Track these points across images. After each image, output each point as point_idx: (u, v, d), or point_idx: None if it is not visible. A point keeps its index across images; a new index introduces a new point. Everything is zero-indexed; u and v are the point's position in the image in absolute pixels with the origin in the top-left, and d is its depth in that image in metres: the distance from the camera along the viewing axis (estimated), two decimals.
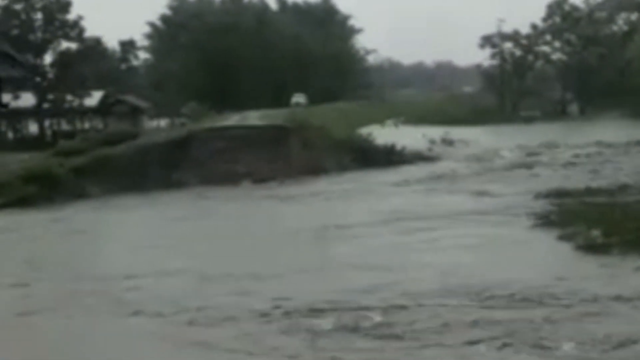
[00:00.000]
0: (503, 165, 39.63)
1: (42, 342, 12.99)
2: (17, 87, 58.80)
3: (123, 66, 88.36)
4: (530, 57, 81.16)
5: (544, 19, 79.84)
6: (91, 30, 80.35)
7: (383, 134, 47.89)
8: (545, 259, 17.05)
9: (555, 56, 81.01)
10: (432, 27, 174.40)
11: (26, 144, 58.39)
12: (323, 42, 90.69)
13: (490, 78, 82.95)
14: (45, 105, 68.13)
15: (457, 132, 52.79)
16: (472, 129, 58.55)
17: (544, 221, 21.20)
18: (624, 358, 10.69)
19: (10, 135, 69.16)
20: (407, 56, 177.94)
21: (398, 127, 62.13)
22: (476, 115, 69.27)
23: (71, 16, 72.15)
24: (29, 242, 24.85)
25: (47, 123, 70.64)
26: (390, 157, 42.49)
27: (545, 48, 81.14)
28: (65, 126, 70.21)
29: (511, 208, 24.31)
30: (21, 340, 12.89)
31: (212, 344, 12.11)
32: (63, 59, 70.15)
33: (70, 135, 58.16)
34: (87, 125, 71.06)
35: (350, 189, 33.24)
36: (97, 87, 70.96)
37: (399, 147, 43.91)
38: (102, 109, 71.66)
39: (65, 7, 71.66)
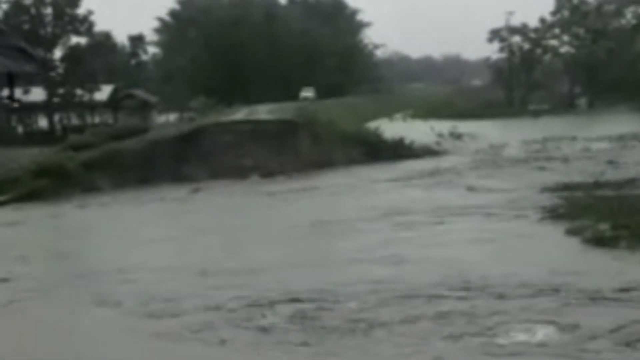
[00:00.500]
0: (511, 159, 39.67)
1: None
2: (28, 81, 59.11)
3: (132, 61, 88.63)
4: (539, 51, 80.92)
5: (553, 13, 79.57)
6: (101, 25, 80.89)
7: (391, 128, 47.95)
8: (552, 253, 17.11)
9: (564, 50, 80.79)
10: (440, 20, 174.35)
11: (36, 138, 58.67)
12: (331, 36, 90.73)
13: (498, 72, 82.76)
14: (55, 100, 68.42)
15: (466, 126, 52.79)
16: (481, 122, 58.51)
17: (552, 215, 21.24)
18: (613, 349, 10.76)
19: (20, 129, 69.49)
20: (415, 50, 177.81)
21: (406, 121, 62.17)
22: (484, 109, 69.16)
23: (81, 11, 72.60)
24: (32, 235, 25.14)
25: (57, 117, 70.95)
26: (398, 151, 42.56)
27: (554, 42, 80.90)
28: (75, 121, 70.48)
29: (518, 202, 24.35)
30: None
31: (165, 335, 12.40)
32: (73, 53, 70.43)
33: (80, 129, 58.43)
34: (97, 119, 71.33)
35: (356, 183, 33.32)
36: (107, 82, 71.22)
37: (407, 141, 43.98)
38: (111, 104, 71.95)
39: (75, 2, 71.98)
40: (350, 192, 30.69)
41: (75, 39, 72.93)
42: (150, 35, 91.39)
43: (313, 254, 19.04)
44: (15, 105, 49.55)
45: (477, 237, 19.06)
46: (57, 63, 70.81)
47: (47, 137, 57.76)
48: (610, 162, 34.72)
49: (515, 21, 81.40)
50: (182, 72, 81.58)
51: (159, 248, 20.85)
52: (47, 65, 67.26)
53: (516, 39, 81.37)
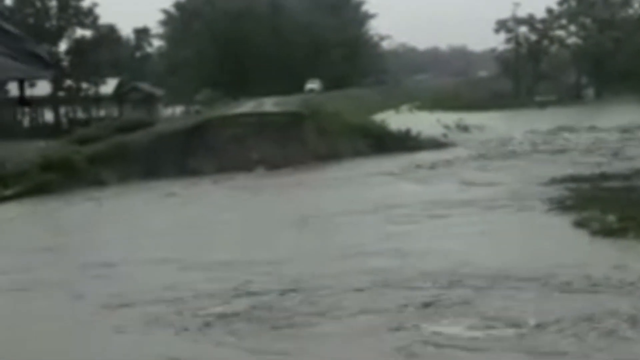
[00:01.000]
0: (517, 150, 39.55)
1: None
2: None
3: (137, 54, 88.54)
4: (546, 42, 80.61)
5: (559, 3, 79.23)
6: (105, 17, 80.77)
7: (398, 120, 47.88)
8: (559, 245, 17.04)
9: (571, 40, 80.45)
10: (447, 12, 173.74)
11: (42, 132, 58.71)
12: (337, 28, 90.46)
13: (505, 63, 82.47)
14: (61, 93, 68.46)
15: (472, 118, 52.67)
16: (487, 114, 58.35)
17: (560, 206, 21.17)
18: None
19: (26, 123, 69.57)
20: (421, 41, 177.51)
21: (413, 113, 62.02)
22: (491, 101, 68.92)
23: (85, 3, 72.53)
24: (31, 230, 25.21)
25: (62, 111, 71.00)
26: (405, 143, 42.46)
27: (561, 32, 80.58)
28: (80, 114, 70.52)
29: (526, 193, 24.27)
30: None
31: (110, 325, 12.77)
32: (78, 46, 70.42)
33: (85, 122, 58.48)
34: (102, 113, 71.35)
35: (362, 174, 33.23)
36: (112, 75, 71.17)
37: (413, 132, 43.88)
38: (117, 97, 71.94)
39: None
40: (351, 185, 30.58)
41: (80, 32, 72.98)
42: (155, 28, 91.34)
43: (298, 249, 18.81)
44: (26, 108, 49.89)
45: (484, 230, 19.01)
46: (63, 56, 70.81)
47: (53, 131, 57.79)
48: (617, 154, 34.59)
49: (522, 12, 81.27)
50: (187, 64, 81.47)
51: (151, 241, 20.87)
52: (52, 58, 67.29)
53: (523, 29, 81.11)
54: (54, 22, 72.52)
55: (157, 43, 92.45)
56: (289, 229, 21.51)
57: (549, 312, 11.80)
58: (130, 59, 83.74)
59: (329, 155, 39.44)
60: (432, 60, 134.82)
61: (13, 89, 63.10)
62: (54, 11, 72.50)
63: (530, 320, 11.47)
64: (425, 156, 38.65)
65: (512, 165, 33.44)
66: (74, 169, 36.61)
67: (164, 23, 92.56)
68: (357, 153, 40.21)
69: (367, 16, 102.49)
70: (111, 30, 75.93)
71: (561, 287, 13.21)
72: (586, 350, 10.42)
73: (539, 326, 11.26)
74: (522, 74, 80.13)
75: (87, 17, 72.36)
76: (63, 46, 72.48)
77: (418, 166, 34.89)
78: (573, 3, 78.80)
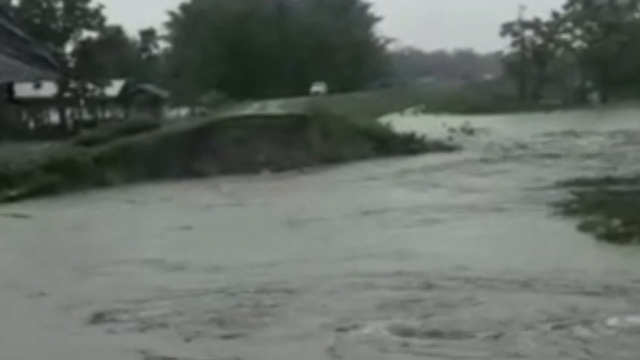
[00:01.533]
0: (523, 154, 39.47)
1: None
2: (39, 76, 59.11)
3: (143, 55, 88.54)
4: (551, 45, 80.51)
5: (565, 7, 79.13)
6: (112, 19, 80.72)
7: (403, 123, 47.83)
8: (563, 249, 16.98)
9: (576, 44, 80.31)
10: (453, 15, 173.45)
11: (47, 133, 58.73)
12: (343, 30, 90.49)
13: (510, 66, 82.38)
14: (67, 95, 68.49)
15: (478, 121, 52.58)
16: (493, 117, 58.26)
17: (564, 210, 21.12)
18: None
19: (31, 124, 69.62)
20: (427, 44, 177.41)
21: (418, 116, 61.94)
22: (496, 104, 68.82)
23: (92, 5, 72.58)
24: (33, 232, 25.27)
25: (68, 112, 71.05)
26: (410, 146, 42.41)
27: (566, 36, 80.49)
28: (86, 115, 70.54)
29: (531, 197, 24.23)
30: None
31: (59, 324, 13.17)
32: (84, 48, 70.44)
33: (91, 124, 58.48)
34: (107, 114, 71.37)
35: (364, 178, 33.20)
36: (118, 77, 71.16)
37: (418, 136, 43.83)
38: (122, 98, 71.93)
39: None
40: (349, 189, 30.54)
41: (86, 34, 73.06)
42: (161, 30, 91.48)
43: (278, 252, 18.66)
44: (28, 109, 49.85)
45: (486, 234, 18.96)
46: (68, 57, 70.88)
47: (58, 132, 57.83)
48: (622, 158, 34.50)
49: (528, 15, 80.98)
50: (193, 66, 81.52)
51: (148, 244, 20.92)
52: (58, 59, 67.38)
53: (528, 33, 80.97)
54: (60, 23, 72.63)
55: (163, 45, 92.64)
56: (276, 232, 21.48)
57: (521, 315, 11.76)
58: (136, 60, 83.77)
59: (334, 157, 39.40)
60: (438, 63, 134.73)
61: (18, 90, 63.28)
62: (60, 12, 72.61)
63: (496, 325, 11.44)
64: (430, 159, 38.60)
65: (517, 168, 33.38)
66: (79, 171, 36.65)
67: (169, 25, 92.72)
68: (362, 156, 40.18)
69: (373, 19, 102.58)
70: (117, 31, 76.00)
71: (552, 290, 13.13)
72: (546, 354, 10.38)
73: (501, 329, 11.24)
74: (528, 77, 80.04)
75: (94, 18, 72.45)
76: (69, 47, 72.61)
77: (422, 169, 34.86)
78: (579, 7, 78.68)
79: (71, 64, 69.21)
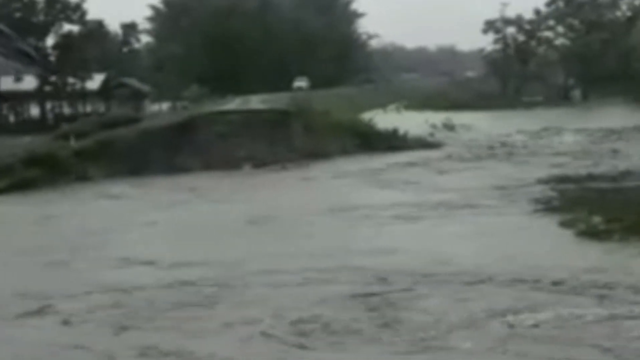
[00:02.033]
0: (504, 151, 39.58)
1: None
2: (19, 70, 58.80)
3: (125, 49, 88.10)
4: (534, 43, 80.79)
5: (547, 4, 79.41)
6: (93, 13, 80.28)
7: (385, 119, 47.83)
8: (543, 245, 16.98)
9: (559, 41, 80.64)
10: (435, 11, 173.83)
11: (28, 127, 58.25)
12: (326, 26, 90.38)
13: (493, 63, 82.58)
14: (47, 88, 68.00)
15: (460, 117, 52.69)
16: (475, 114, 58.41)
17: (546, 207, 21.16)
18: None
19: (11, 118, 69.05)
20: (410, 41, 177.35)
21: (400, 112, 61.99)
22: (479, 101, 68.95)
23: None
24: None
25: (48, 106, 70.52)
26: (392, 142, 42.43)
27: (549, 33, 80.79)
28: (67, 109, 70.02)
29: (512, 194, 24.25)
30: None
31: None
32: (65, 41, 69.92)
33: (72, 118, 58.04)
34: (88, 108, 70.88)
35: (345, 173, 33.17)
36: (99, 70, 70.73)
37: (400, 132, 43.88)
38: (103, 92, 71.46)
39: None
40: (322, 186, 30.39)
41: (67, 27, 72.54)
42: (143, 24, 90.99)
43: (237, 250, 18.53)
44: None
45: (465, 231, 18.90)
46: (49, 51, 70.37)
47: (38, 126, 57.37)
48: (604, 155, 34.67)
49: (510, 12, 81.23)
50: (175, 61, 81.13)
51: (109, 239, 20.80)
52: (38, 53, 66.96)
53: (511, 30, 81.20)
54: (41, 17, 72.11)
55: (145, 39, 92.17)
56: (244, 229, 21.34)
57: (463, 310, 11.76)
58: (117, 54, 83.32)
59: (316, 153, 39.33)
60: (420, 59, 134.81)
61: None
62: (41, 6, 72.09)
63: (425, 317, 11.49)
64: (411, 156, 38.58)
65: (498, 165, 33.45)
66: (60, 165, 36.38)
67: (152, 19, 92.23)
68: (345, 152, 40.17)
69: (356, 15, 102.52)
70: (99, 25, 75.50)
71: (514, 286, 13.12)
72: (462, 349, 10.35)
73: (429, 322, 11.27)
74: (510, 74, 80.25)
75: (75, 12, 72.02)
76: (50, 41, 72.10)
77: (404, 164, 34.88)
78: (561, 4, 79.01)
79: (52, 58, 68.75)
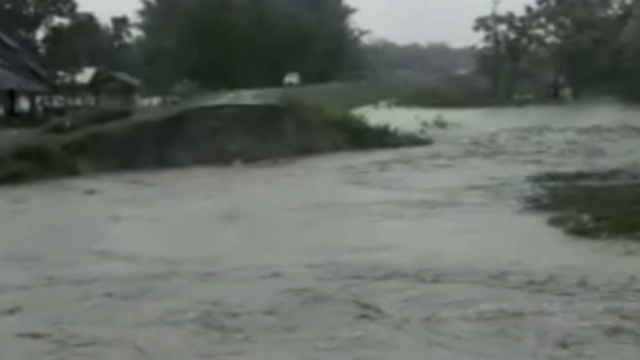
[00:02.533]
0: (494, 148, 39.67)
1: None
2: (3, 66, 58.38)
3: (116, 43, 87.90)
4: (525, 40, 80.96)
5: (539, 2, 79.56)
6: (84, 6, 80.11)
7: (376, 116, 47.89)
8: (528, 243, 16.94)
9: (549, 39, 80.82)
10: (427, 8, 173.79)
11: (17, 120, 58.06)
12: (318, 21, 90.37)
13: (484, 61, 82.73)
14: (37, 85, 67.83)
15: (450, 115, 52.80)
16: (465, 111, 58.56)
17: (534, 205, 21.19)
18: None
19: (1, 111, 68.80)
20: (401, 37, 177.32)
21: (391, 109, 62.06)
22: (469, 98, 69.19)
23: None
24: None
25: (38, 99, 70.31)
26: (383, 139, 42.51)
27: (540, 31, 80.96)
28: (56, 103, 69.84)
29: (501, 191, 24.25)
30: None
31: None
32: (55, 34, 69.72)
33: (61, 111, 57.92)
34: (78, 102, 70.70)
35: (334, 169, 33.12)
36: (89, 64, 70.59)
37: (391, 129, 43.95)
38: (93, 86, 71.32)
39: None
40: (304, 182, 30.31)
41: (57, 20, 72.27)
42: (134, 18, 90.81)
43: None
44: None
45: (451, 227, 18.78)
46: (40, 44, 70.14)
47: (28, 119, 57.19)
48: (593, 153, 34.78)
49: (502, 10, 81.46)
50: (165, 55, 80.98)
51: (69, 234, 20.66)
52: (29, 46, 66.64)
53: (502, 27, 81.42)
54: (32, 9, 71.78)
55: (135, 33, 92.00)
56: (218, 225, 21.07)
57: (409, 305, 11.65)
58: (108, 48, 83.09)
59: (307, 149, 39.35)
60: (412, 56, 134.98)
61: None
62: None
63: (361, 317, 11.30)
64: (402, 153, 38.66)
65: (487, 163, 33.50)
66: (49, 158, 36.21)
67: (143, 13, 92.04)
68: (336, 147, 40.21)
69: (348, 10, 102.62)
70: (89, 18, 75.28)
71: (486, 283, 12.93)
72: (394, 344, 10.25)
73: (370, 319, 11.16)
74: (501, 72, 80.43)
75: (65, 4, 71.71)
76: (40, 34, 71.84)
77: (393, 161, 34.90)
78: (552, 2, 79.17)
79: (42, 51, 68.53)
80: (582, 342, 9.97)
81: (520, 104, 67.62)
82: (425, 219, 20.44)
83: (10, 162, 35.17)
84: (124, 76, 74.76)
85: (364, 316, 11.39)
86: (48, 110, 65.04)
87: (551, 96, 75.26)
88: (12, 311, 12.69)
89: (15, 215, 25.00)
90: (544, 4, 79.54)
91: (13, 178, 33.60)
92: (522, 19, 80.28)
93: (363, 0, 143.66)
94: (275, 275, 14.13)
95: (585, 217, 18.08)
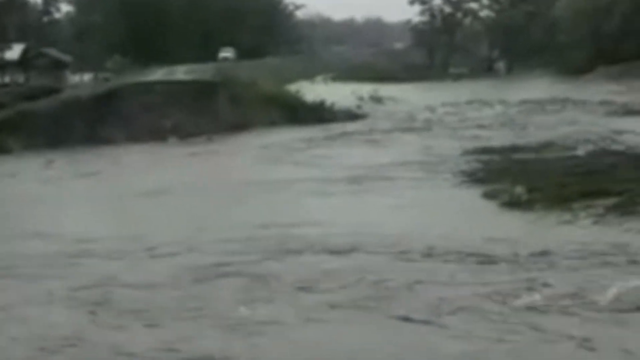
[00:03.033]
0: (430, 122, 39.80)
1: None
2: None
3: (45, 18, 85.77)
4: (460, 14, 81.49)
5: None
6: None
7: (312, 91, 47.62)
8: (461, 216, 16.91)
9: (484, 13, 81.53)
10: None
11: None
12: None
13: (419, 35, 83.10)
14: None
15: (387, 89, 52.79)
16: (402, 85, 58.68)
17: (469, 179, 21.27)
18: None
19: None
20: (337, 12, 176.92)
21: (327, 84, 61.87)
22: (406, 72, 69.44)
23: None
24: None
25: None
26: (319, 114, 42.32)
27: (474, 5, 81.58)
28: None
29: (436, 166, 24.29)
30: None
31: None
32: None
33: None
34: (7, 79, 68.92)
35: (258, 146, 32.84)
36: (18, 40, 68.78)
37: (328, 104, 43.80)
38: (23, 63, 69.52)
39: None
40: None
41: None
42: None
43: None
44: None
45: (388, 202, 18.67)
46: None
47: None
48: (526, 126, 35.14)
49: None
50: (96, 30, 79.11)
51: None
52: None
53: (437, 1, 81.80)
54: None
55: (65, 8, 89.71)
56: (135, 202, 20.84)
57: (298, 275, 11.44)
58: (37, 24, 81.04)
59: (243, 124, 39.02)
60: (348, 31, 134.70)
61: None
62: None
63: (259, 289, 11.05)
64: (338, 127, 38.54)
65: (422, 137, 33.53)
66: None
67: None
68: (271, 123, 39.92)
69: None
70: None
71: (402, 257, 12.53)
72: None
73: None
74: (437, 46, 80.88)
75: None
76: None
77: (329, 137, 34.79)
78: None
79: None
80: (454, 312, 9.50)
81: (456, 78, 68.12)
82: (357, 195, 20.22)
83: None
84: (54, 52, 72.97)
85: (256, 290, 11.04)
86: None
87: (485, 70, 76.01)
88: None
89: None
90: None
91: None
92: None
93: None
94: (190, 250, 13.80)
95: (520, 189, 18.20)
